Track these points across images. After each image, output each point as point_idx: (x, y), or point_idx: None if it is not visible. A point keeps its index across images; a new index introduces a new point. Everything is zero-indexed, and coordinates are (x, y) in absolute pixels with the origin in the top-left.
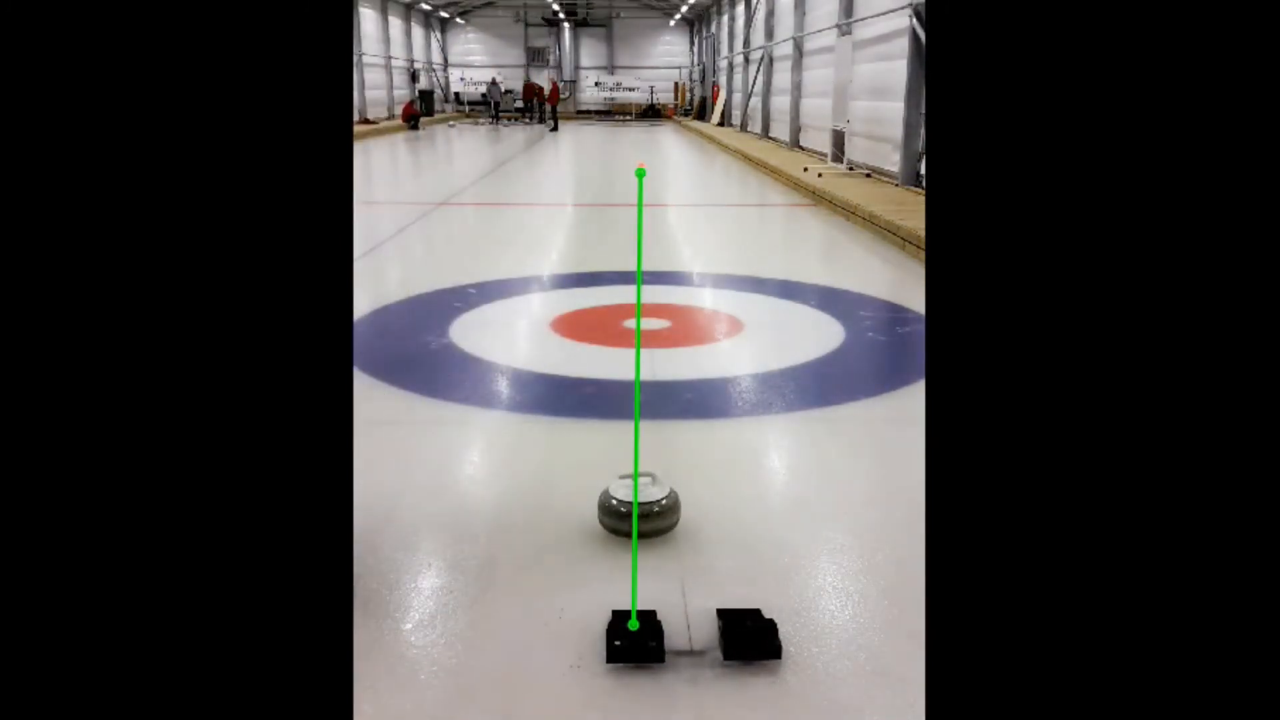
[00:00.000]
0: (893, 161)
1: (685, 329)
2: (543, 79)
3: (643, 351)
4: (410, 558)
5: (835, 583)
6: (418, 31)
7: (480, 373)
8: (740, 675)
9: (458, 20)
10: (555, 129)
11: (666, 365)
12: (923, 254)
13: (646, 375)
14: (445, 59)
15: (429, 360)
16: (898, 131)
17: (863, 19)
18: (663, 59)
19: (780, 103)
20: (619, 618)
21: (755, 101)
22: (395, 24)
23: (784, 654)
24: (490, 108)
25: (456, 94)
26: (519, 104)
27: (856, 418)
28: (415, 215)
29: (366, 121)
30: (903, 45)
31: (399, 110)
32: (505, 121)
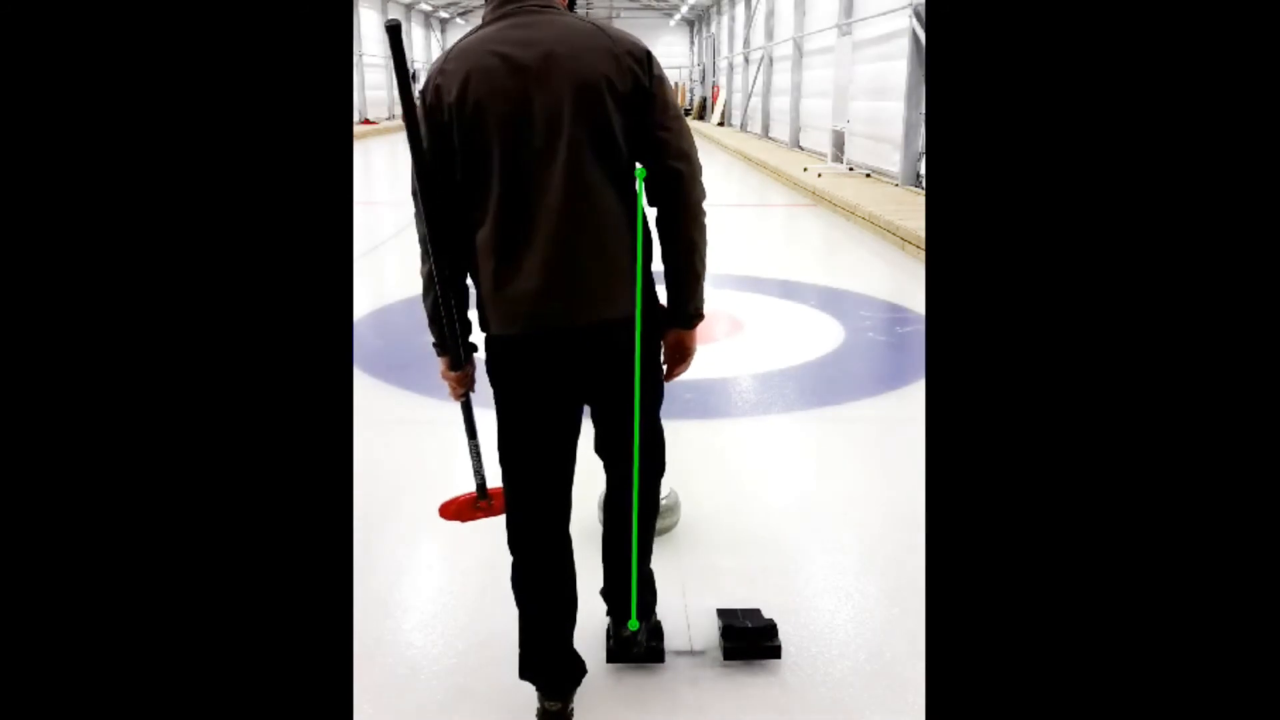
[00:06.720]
0: (893, 161)
1: None
2: None
3: None
4: (410, 558)
5: (835, 582)
6: (418, 31)
7: (482, 372)
8: (740, 675)
9: (458, 20)
10: None
11: None
12: (923, 254)
13: None
14: None
15: (430, 360)
16: (898, 131)
17: (863, 19)
18: (663, 59)
19: (780, 103)
20: None
21: (755, 101)
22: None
23: (784, 654)
24: None
25: None
26: None
27: (856, 417)
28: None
29: (367, 122)
30: (903, 45)
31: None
32: None
